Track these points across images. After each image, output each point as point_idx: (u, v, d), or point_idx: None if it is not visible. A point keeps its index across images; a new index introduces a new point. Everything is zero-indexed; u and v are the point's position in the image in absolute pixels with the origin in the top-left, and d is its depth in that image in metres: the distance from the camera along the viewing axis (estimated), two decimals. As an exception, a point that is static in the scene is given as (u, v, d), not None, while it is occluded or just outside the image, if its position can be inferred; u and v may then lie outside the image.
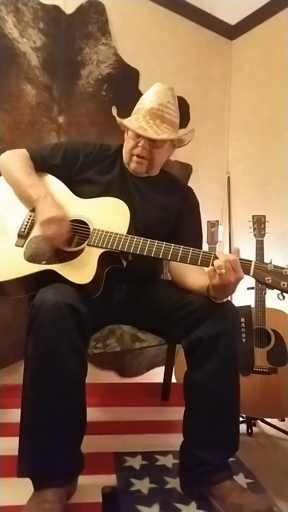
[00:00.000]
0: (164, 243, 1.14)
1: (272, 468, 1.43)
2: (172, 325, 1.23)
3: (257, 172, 2.39)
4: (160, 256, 1.14)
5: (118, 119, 1.35)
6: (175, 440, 1.22)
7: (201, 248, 1.35)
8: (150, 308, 1.30)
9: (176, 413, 1.59)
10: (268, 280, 1.04)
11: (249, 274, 1.07)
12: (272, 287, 1.05)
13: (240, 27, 2.53)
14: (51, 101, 1.99)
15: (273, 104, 2.31)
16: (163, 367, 1.83)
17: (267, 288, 1.08)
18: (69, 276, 1.12)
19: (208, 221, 2.04)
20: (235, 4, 2.40)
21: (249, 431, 1.75)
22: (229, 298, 1.21)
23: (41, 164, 1.33)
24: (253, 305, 1.82)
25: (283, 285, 1.03)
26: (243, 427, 1.76)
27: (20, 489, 1.07)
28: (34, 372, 1.04)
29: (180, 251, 1.13)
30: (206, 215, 2.17)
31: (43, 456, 1.04)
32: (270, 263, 1.06)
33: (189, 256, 1.12)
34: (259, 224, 1.86)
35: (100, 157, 1.37)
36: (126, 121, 1.31)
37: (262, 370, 1.73)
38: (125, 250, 1.15)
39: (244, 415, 1.79)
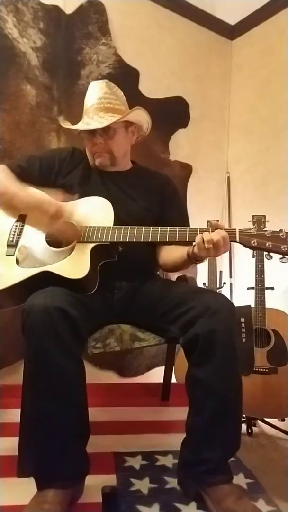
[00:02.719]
0: (151, 227, 1.19)
1: (272, 468, 1.43)
2: (169, 323, 1.23)
3: (257, 172, 2.39)
4: (150, 239, 1.18)
5: (68, 127, 1.42)
6: (175, 440, 1.22)
7: None
8: (149, 306, 1.30)
9: (176, 413, 1.59)
10: (254, 243, 1.11)
11: (235, 241, 1.14)
12: (259, 248, 1.12)
13: (240, 27, 2.53)
14: (51, 101, 1.99)
15: (273, 104, 2.31)
16: (163, 367, 1.83)
17: (254, 251, 1.19)
18: (64, 273, 1.13)
19: (208, 221, 2.04)
20: (235, 4, 2.40)
21: (249, 431, 1.75)
22: (227, 295, 1.21)
23: (21, 174, 1.38)
24: (253, 305, 1.82)
25: (269, 245, 1.10)
26: (243, 427, 1.76)
27: (20, 489, 1.07)
28: (31, 374, 1.05)
29: (168, 232, 1.17)
30: (206, 215, 2.18)
31: (44, 456, 1.04)
32: (254, 227, 1.14)
33: (177, 234, 1.16)
34: (259, 224, 1.85)
35: (75, 161, 1.44)
36: (75, 126, 1.40)
37: (262, 370, 1.73)
38: (114, 240, 1.19)
39: (244, 415, 1.79)
